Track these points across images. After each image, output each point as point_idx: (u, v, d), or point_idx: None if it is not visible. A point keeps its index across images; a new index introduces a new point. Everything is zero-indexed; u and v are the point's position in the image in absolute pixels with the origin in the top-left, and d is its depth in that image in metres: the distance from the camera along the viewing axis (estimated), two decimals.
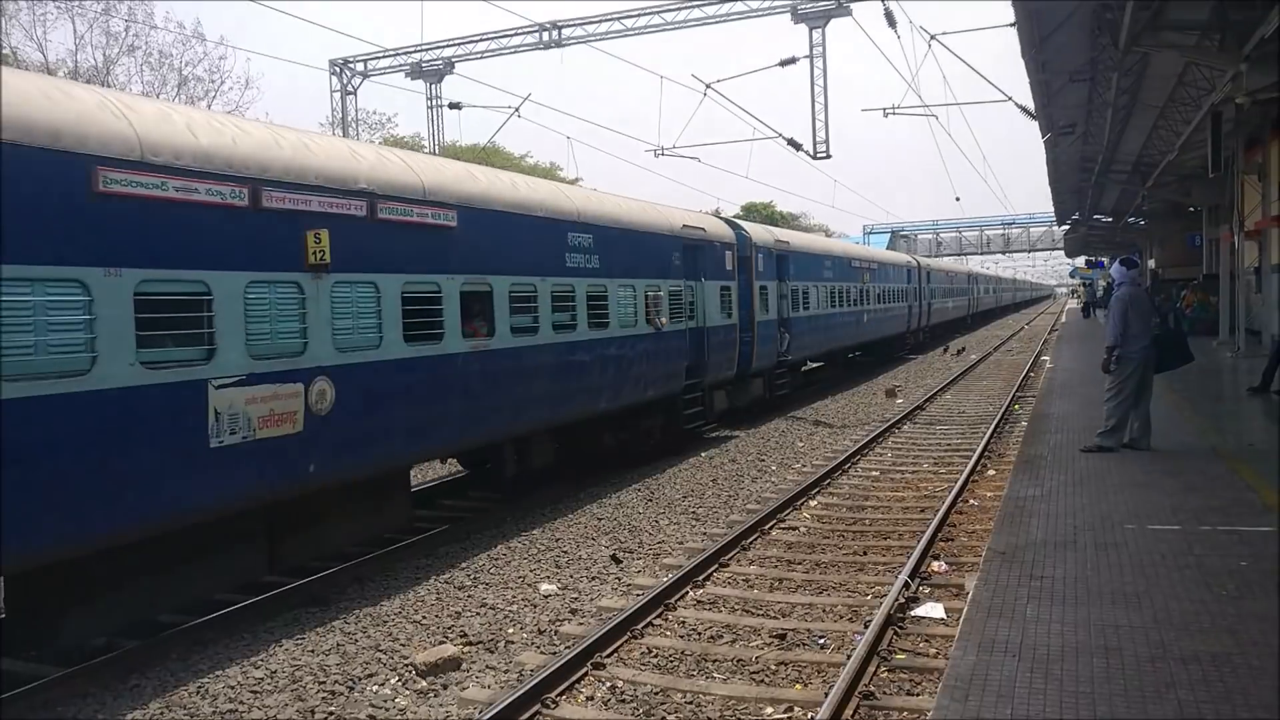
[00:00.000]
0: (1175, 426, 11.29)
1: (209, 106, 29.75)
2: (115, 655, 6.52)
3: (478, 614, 7.33)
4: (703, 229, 15.01)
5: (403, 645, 6.67)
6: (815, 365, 25.66)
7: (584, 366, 11.18)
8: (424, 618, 7.26)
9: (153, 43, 32.80)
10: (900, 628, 6.48)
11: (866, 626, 6.38)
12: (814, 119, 26.05)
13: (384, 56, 31.16)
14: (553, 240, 10.75)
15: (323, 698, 5.82)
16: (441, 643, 6.66)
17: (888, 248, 47.82)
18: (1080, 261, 64.36)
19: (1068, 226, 49.09)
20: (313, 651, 6.58)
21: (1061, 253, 77.23)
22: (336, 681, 6.03)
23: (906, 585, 7.17)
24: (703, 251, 14.75)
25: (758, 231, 18.40)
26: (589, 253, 11.37)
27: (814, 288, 21.18)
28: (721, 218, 16.73)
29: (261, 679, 6.11)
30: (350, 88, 31.73)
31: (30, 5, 27.02)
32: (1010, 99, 20.20)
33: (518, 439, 10.50)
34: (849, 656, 5.84)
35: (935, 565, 7.91)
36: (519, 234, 10.05)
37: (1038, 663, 4.60)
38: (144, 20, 29.98)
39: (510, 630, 6.96)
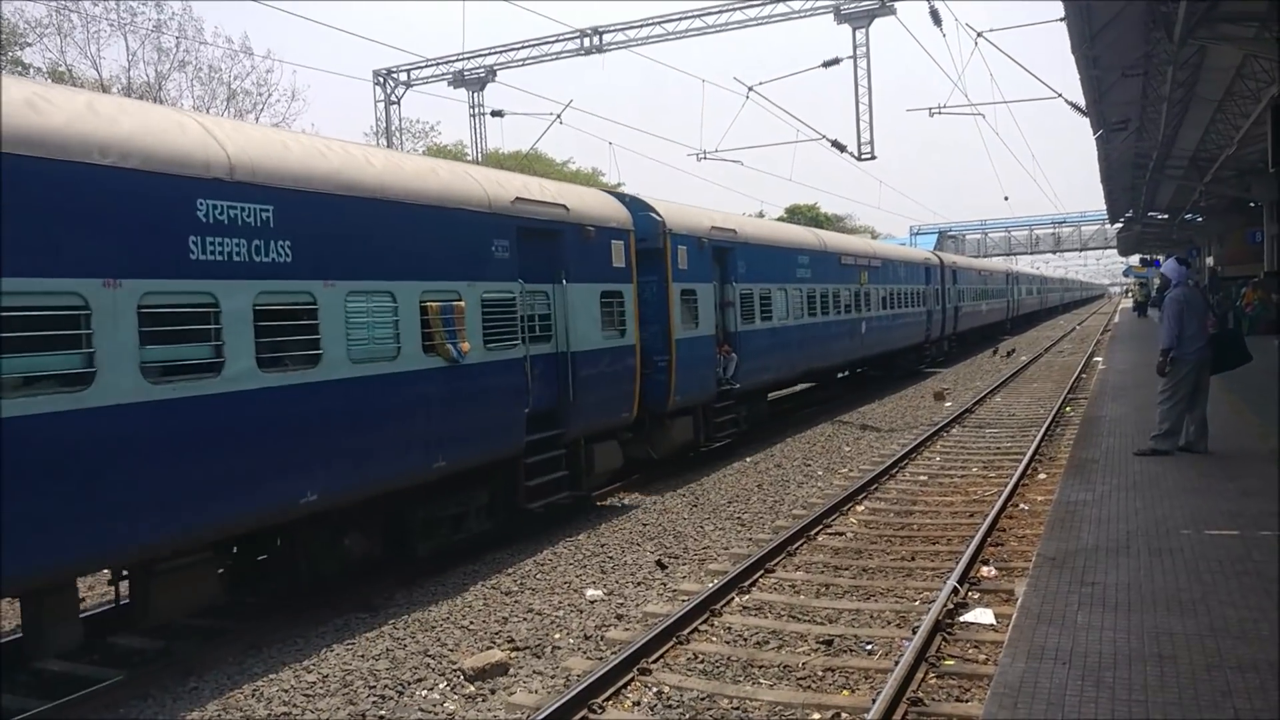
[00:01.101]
0: (1233, 429, 10.98)
1: (257, 119, 30.48)
2: (175, 658, 6.72)
3: (524, 619, 7.40)
4: (563, 205, 10.34)
5: (451, 650, 6.77)
6: (807, 386, 21.95)
7: (256, 435, 6.62)
8: (471, 623, 7.36)
9: (202, 58, 33.67)
10: (949, 633, 6.41)
11: (915, 632, 6.32)
12: (858, 120, 25.97)
13: (426, 66, 31.63)
14: (154, 213, 5.99)
15: (373, 702, 5.93)
16: (489, 648, 6.75)
17: (935, 248, 46.60)
18: (1134, 260, 62.76)
19: (1121, 224, 47.95)
20: (363, 656, 6.71)
21: (1114, 251, 75.51)
22: (386, 686, 6.14)
23: (955, 590, 7.09)
24: (565, 240, 10.28)
25: (680, 215, 13.37)
26: (267, 236, 6.70)
27: (779, 291, 16.50)
28: (617, 194, 12.45)
29: (314, 683, 6.25)
30: (394, 97, 32.25)
31: (85, 23, 27.95)
32: (1060, 96, 19.89)
33: (122, 566, 6.50)
34: (897, 663, 5.79)
35: (984, 570, 7.81)
36: (31, 199, 5.30)
37: (1089, 670, 4.53)
38: (194, 36, 30.85)
39: (556, 636, 7.03)
